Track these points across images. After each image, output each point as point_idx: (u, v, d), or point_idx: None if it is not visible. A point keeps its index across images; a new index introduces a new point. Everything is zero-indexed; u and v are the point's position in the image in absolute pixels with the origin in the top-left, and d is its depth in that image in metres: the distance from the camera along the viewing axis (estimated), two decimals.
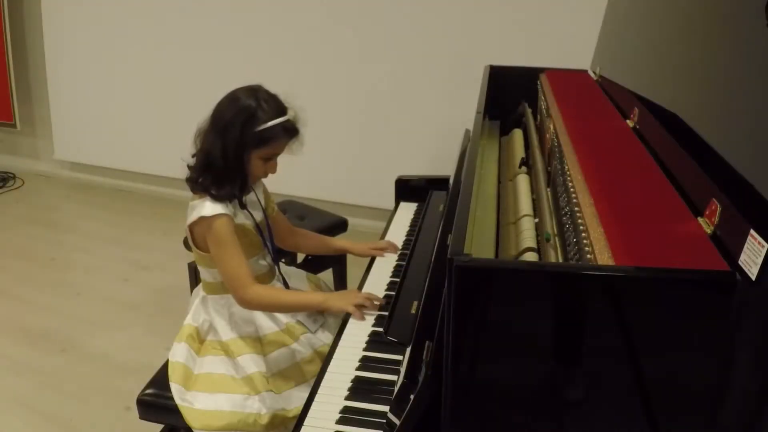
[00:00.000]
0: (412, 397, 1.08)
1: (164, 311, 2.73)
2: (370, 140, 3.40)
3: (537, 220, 1.30)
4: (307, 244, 1.93)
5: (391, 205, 2.24)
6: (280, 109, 1.51)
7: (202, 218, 1.49)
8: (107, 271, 3.11)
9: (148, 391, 1.54)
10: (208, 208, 1.49)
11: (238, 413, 1.46)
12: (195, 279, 2.15)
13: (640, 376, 0.84)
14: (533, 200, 1.40)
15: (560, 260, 1.10)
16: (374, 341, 1.46)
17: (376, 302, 1.57)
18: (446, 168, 2.07)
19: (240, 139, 1.47)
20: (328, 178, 3.50)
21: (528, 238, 1.19)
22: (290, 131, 1.52)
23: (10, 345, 2.51)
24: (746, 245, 0.76)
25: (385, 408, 1.21)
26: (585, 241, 0.96)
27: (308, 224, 2.41)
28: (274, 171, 1.58)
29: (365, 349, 1.44)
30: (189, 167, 1.55)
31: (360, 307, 1.54)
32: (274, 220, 1.75)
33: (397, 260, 1.84)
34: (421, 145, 3.28)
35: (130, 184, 4.13)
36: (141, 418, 1.55)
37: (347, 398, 1.29)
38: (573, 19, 2.82)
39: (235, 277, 1.50)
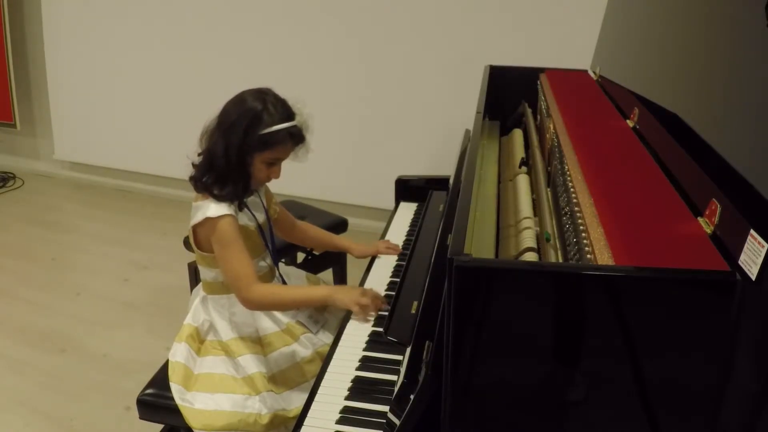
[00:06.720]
0: (412, 397, 1.08)
1: (164, 311, 2.73)
2: (370, 140, 3.40)
3: (537, 218, 1.30)
4: (307, 239, 1.94)
5: (391, 205, 2.24)
6: (288, 114, 1.50)
7: (207, 219, 1.48)
8: (107, 271, 3.11)
9: (148, 391, 1.54)
10: (213, 209, 1.48)
11: (239, 413, 1.46)
12: (195, 279, 2.15)
13: (640, 377, 0.84)
14: (533, 200, 1.40)
15: (560, 260, 1.10)
16: (374, 341, 1.46)
17: (381, 303, 1.55)
18: (446, 168, 2.07)
19: (243, 140, 1.46)
20: (328, 178, 3.50)
21: (528, 238, 1.18)
22: (296, 137, 1.51)
23: (10, 345, 2.51)
24: (746, 245, 0.76)
25: (385, 408, 1.21)
26: (585, 241, 0.96)
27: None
28: (277, 176, 1.57)
29: (365, 349, 1.44)
30: (194, 165, 1.55)
31: (364, 308, 1.52)
32: (276, 220, 1.75)
33: (397, 260, 1.84)
34: (421, 145, 3.28)
35: (131, 184, 4.13)
36: (141, 418, 1.55)
37: (347, 398, 1.29)
38: (573, 19, 2.82)
39: (240, 276, 1.49)
